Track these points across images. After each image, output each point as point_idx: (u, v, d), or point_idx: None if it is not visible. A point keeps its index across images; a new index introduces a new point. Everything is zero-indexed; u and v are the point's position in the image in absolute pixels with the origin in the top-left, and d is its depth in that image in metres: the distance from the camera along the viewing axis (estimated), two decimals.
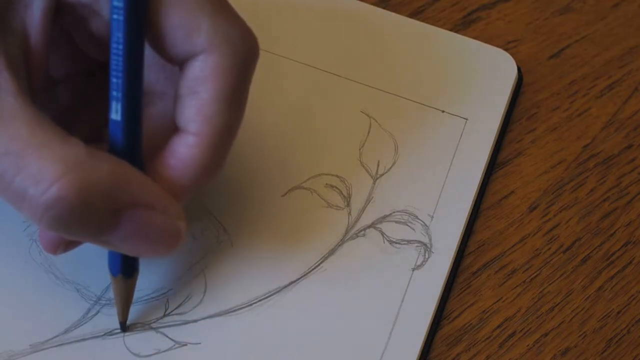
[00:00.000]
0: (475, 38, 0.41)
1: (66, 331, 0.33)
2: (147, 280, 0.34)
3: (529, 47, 0.42)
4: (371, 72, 0.39)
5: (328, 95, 0.39)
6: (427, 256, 0.35)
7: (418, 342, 0.33)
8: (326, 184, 0.37)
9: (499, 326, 0.35)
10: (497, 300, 0.36)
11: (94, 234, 0.27)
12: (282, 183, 0.36)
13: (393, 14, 0.41)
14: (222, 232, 0.35)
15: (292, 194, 0.36)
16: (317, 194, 0.36)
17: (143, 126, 0.29)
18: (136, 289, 0.32)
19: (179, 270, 0.34)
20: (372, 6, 0.41)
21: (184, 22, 0.27)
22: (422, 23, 0.41)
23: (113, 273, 0.31)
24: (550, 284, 0.36)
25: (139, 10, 0.27)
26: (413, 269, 0.35)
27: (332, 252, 0.35)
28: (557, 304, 0.36)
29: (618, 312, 0.36)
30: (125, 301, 0.32)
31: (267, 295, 0.34)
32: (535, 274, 0.36)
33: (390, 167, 0.37)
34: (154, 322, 0.33)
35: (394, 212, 0.36)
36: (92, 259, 0.33)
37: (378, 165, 0.37)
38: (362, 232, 0.36)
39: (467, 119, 0.38)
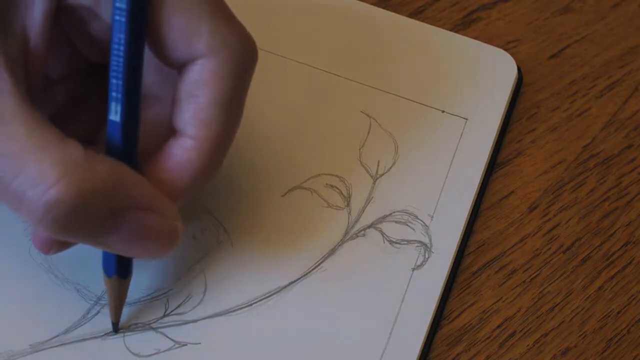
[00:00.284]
0: (475, 38, 0.41)
1: (66, 331, 0.33)
2: (147, 280, 0.34)
3: (529, 47, 0.42)
4: (371, 72, 0.39)
5: (328, 95, 0.39)
6: (427, 256, 0.35)
7: (418, 342, 0.33)
8: (326, 184, 0.37)
9: (499, 326, 0.35)
10: (497, 300, 0.36)
11: (92, 235, 0.27)
12: (282, 183, 0.36)
13: (393, 14, 0.41)
14: (222, 232, 0.35)
15: (292, 194, 0.36)
16: (317, 194, 0.36)
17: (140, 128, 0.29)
18: (136, 289, 0.33)
19: (179, 270, 0.34)
20: (372, 6, 0.41)
21: (184, 27, 0.27)
22: (422, 23, 0.41)
23: (108, 274, 0.31)
24: (550, 284, 0.36)
25: (140, 12, 0.27)
26: (413, 269, 0.35)
27: (332, 252, 0.35)
28: (557, 304, 0.36)
29: (618, 312, 0.36)
30: (118, 302, 0.32)
31: (267, 295, 0.34)
32: (535, 274, 0.36)
33: (390, 167, 0.37)
34: (154, 322, 0.33)
35: (394, 212, 0.36)
36: (92, 259, 0.33)
37: (378, 165, 0.37)
38: (362, 232, 0.36)
39: (467, 119, 0.38)
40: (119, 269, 0.31)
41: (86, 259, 0.33)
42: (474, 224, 0.37)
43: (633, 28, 0.43)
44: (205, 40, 0.28)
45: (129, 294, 0.33)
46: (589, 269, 0.37)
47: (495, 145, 0.38)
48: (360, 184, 0.37)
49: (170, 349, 0.33)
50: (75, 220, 0.25)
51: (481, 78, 0.39)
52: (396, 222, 0.36)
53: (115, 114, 0.28)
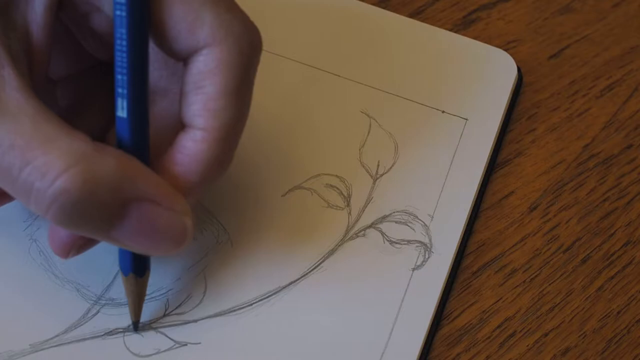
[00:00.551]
0: (475, 38, 0.41)
1: (66, 331, 0.33)
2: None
3: (529, 47, 0.42)
4: (371, 72, 0.39)
5: (328, 95, 0.39)
6: (427, 256, 0.35)
7: (418, 342, 0.33)
8: (326, 184, 0.37)
9: (499, 326, 0.35)
10: (497, 300, 0.36)
11: (100, 227, 0.27)
12: (282, 183, 0.36)
13: (393, 14, 0.41)
14: (222, 232, 0.35)
15: (292, 194, 0.36)
16: (317, 194, 0.36)
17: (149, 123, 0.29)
18: None
19: (179, 270, 0.34)
20: (372, 6, 0.41)
21: (185, 17, 0.27)
22: (422, 23, 0.41)
23: (124, 272, 0.31)
24: (550, 284, 0.36)
25: (141, 5, 0.27)
26: (413, 269, 0.35)
27: (332, 252, 0.35)
28: (557, 304, 0.36)
29: (618, 312, 0.36)
30: (137, 301, 0.32)
31: (267, 295, 0.34)
32: (535, 274, 0.36)
33: (390, 167, 0.37)
34: (154, 322, 0.33)
35: (394, 212, 0.36)
36: (92, 259, 0.33)
37: (378, 165, 0.37)
38: (362, 232, 0.36)
39: (467, 119, 0.38)
40: (135, 267, 0.31)
41: (86, 259, 0.33)
42: (474, 224, 0.37)
43: (633, 28, 0.43)
44: (208, 29, 0.27)
45: None
46: (589, 269, 0.37)
47: (495, 145, 0.38)
48: (360, 184, 0.37)
49: (170, 349, 0.33)
50: (82, 211, 0.25)
51: (481, 78, 0.39)
52: (396, 222, 0.36)
53: (122, 110, 0.28)
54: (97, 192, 0.25)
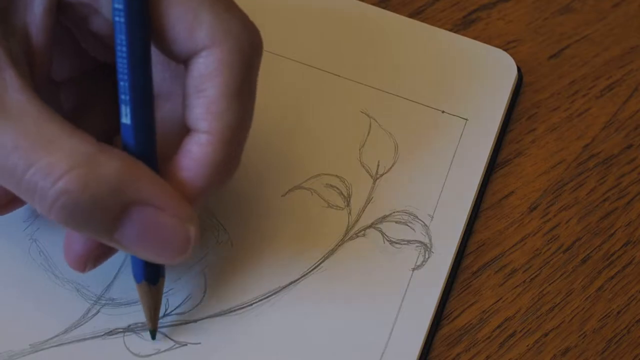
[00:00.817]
0: (475, 38, 0.41)
1: (66, 331, 0.33)
2: None
3: (529, 47, 0.42)
4: (371, 72, 0.39)
5: (328, 95, 0.39)
6: (427, 256, 0.35)
7: (418, 342, 0.33)
8: (326, 184, 0.37)
9: (499, 326, 0.35)
10: (497, 300, 0.36)
11: (102, 229, 0.27)
12: (282, 183, 0.36)
13: (393, 14, 0.41)
14: (222, 232, 0.35)
15: (292, 194, 0.36)
16: (317, 194, 0.36)
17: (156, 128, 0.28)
18: (135, 289, 0.32)
19: (179, 270, 0.34)
20: (372, 6, 0.41)
21: (184, 18, 0.27)
22: (422, 23, 0.41)
23: (136, 279, 0.31)
24: (550, 284, 0.36)
25: (140, 10, 0.27)
26: (413, 269, 0.35)
27: (332, 252, 0.35)
28: (557, 304, 0.36)
29: (618, 312, 0.36)
30: (152, 308, 0.31)
31: (267, 295, 0.34)
32: (535, 274, 0.36)
33: (390, 167, 0.37)
34: None
35: (394, 212, 0.36)
36: None
37: (378, 165, 0.37)
38: (362, 232, 0.36)
39: (467, 119, 0.38)
40: (148, 275, 0.30)
41: None
42: (474, 224, 0.37)
43: (633, 28, 0.43)
44: (207, 30, 0.27)
45: (128, 294, 0.33)
46: (589, 269, 0.37)
47: (495, 145, 0.38)
48: (360, 184, 0.37)
49: (170, 349, 0.33)
50: (83, 210, 0.25)
51: (481, 78, 0.39)
52: (396, 222, 0.36)
53: (125, 117, 0.27)
54: (98, 193, 0.25)
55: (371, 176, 0.37)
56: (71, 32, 0.31)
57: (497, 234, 0.37)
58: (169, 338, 0.33)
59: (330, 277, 0.35)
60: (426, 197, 0.36)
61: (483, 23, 0.43)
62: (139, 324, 0.33)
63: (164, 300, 0.33)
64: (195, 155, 0.28)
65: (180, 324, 0.33)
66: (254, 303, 0.34)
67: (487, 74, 0.40)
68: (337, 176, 0.37)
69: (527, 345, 0.35)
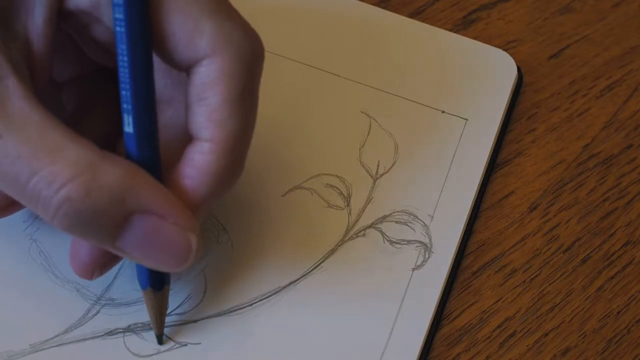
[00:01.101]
0: (475, 38, 0.41)
1: (66, 331, 0.33)
2: None
3: (529, 47, 0.42)
4: (371, 72, 0.39)
5: (328, 95, 0.39)
6: (427, 256, 0.35)
7: (418, 342, 0.33)
8: (326, 184, 0.37)
9: (499, 326, 0.35)
10: (497, 300, 0.36)
11: (104, 237, 0.27)
12: (282, 183, 0.36)
13: (393, 14, 0.41)
14: (222, 232, 0.35)
15: (292, 194, 0.36)
16: (317, 194, 0.36)
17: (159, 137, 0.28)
18: (136, 290, 0.32)
19: None
20: (372, 6, 0.41)
21: (185, 27, 0.27)
22: (422, 23, 0.41)
23: (141, 285, 0.31)
24: (550, 284, 0.36)
25: (141, 20, 0.27)
26: (413, 269, 0.35)
27: (332, 252, 0.35)
28: (557, 304, 0.36)
29: (618, 312, 0.36)
30: (158, 314, 0.32)
31: (267, 295, 0.34)
32: (535, 274, 0.36)
33: (390, 167, 0.37)
34: None
35: (394, 212, 0.36)
36: None
37: (378, 165, 0.37)
38: (362, 232, 0.36)
39: (467, 119, 0.38)
40: (152, 281, 0.30)
41: None
42: (474, 224, 0.37)
43: (633, 28, 0.43)
44: (208, 38, 0.27)
45: (129, 294, 0.33)
46: (589, 269, 0.37)
47: (495, 145, 0.38)
48: (360, 184, 0.37)
49: (170, 349, 0.33)
50: (85, 218, 0.26)
51: (481, 78, 0.39)
52: (396, 222, 0.36)
53: (128, 126, 0.27)
54: (101, 201, 0.25)
55: (371, 176, 0.37)
56: (72, 37, 0.31)
57: (497, 234, 0.37)
58: (169, 338, 0.33)
59: (330, 277, 0.35)
60: (426, 197, 0.36)
61: (483, 23, 0.43)
62: (139, 324, 0.33)
63: None
64: (198, 163, 0.28)
65: (180, 324, 0.33)
66: (254, 303, 0.34)
67: (487, 74, 0.40)
68: (337, 176, 0.37)
69: (527, 345, 0.35)
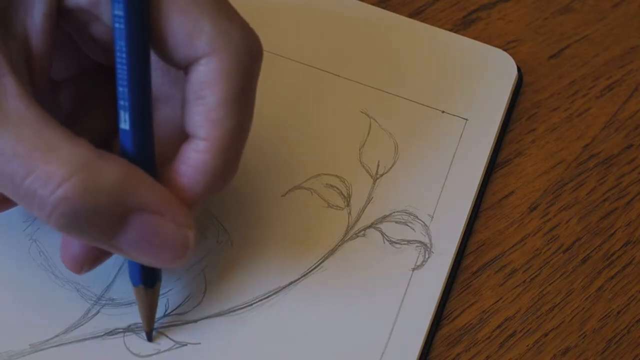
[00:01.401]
0: (475, 38, 0.41)
1: (66, 331, 0.33)
2: None
3: (529, 47, 0.42)
4: (371, 72, 0.39)
5: (328, 95, 0.39)
6: (427, 256, 0.35)
7: (418, 342, 0.33)
8: (326, 184, 0.37)
9: (499, 326, 0.35)
10: (497, 300, 0.36)
11: (101, 236, 0.27)
12: (282, 183, 0.36)
13: (393, 14, 0.41)
14: (222, 232, 0.35)
15: (292, 194, 0.36)
16: (317, 194, 0.36)
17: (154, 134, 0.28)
18: None
19: (178, 271, 0.34)
20: (372, 6, 0.41)
21: (184, 26, 0.27)
22: (422, 23, 0.41)
23: (133, 283, 0.31)
24: (550, 284, 0.36)
25: (140, 18, 0.27)
26: (413, 269, 0.35)
27: (332, 252, 0.35)
28: (557, 304, 0.36)
29: (618, 312, 0.36)
30: (148, 311, 0.32)
31: (267, 295, 0.34)
32: (535, 274, 0.36)
33: (390, 167, 0.37)
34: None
35: (394, 212, 0.36)
36: None
37: (378, 165, 0.37)
38: (362, 232, 0.36)
39: (467, 119, 0.38)
40: (144, 278, 0.31)
41: None
42: (474, 224, 0.37)
43: (633, 28, 0.43)
44: (207, 38, 0.27)
45: (128, 294, 0.33)
46: (589, 269, 0.37)
47: (495, 145, 0.38)
48: (360, 184, 0.37)
49: (170, 349, 0.33)
50: (82, 218, 0.26)
51: (481, 78, 0.39)
52: (396, 222, 0.36)
53: (124, 123, 0.27)
54: (97, 200, 0.25)
55: (371, 176, 0.37)
56: (71, 36, 0.31)
57: (497, 234, 0.37)
58: (169, 338, 0.33)
59: (330, 277, 0.35)
60: (426, 197, 0.36)
61: (483, 23, 0.43)
62: (139, 324, 0.33)
63: (164, 301, 0.33)
64: (193, 162, 0.28)
65: (180, 324, 0.33)
66: (254, 303, 0.34)
67: (487, 74, 0.40)
68: (337, 176, 0.37)
69: (527, 345, 0.35)
